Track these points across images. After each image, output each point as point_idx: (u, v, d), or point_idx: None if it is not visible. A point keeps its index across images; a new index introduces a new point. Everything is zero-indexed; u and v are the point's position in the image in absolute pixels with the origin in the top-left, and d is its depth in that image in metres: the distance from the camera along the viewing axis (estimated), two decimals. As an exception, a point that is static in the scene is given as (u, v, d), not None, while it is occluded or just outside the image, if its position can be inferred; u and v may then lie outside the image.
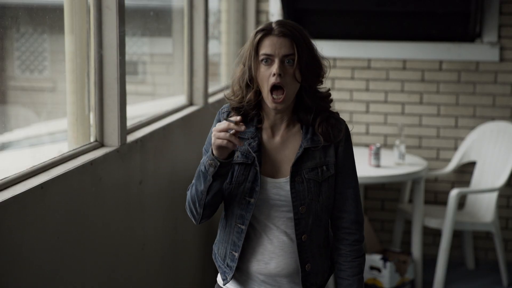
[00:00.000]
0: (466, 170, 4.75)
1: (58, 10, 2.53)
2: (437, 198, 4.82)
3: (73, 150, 2.46)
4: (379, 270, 4.12)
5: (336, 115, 2.07)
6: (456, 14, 4.66)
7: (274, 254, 2.02)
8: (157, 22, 3.79)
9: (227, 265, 2.06)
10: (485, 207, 4.38)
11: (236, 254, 2.03)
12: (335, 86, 4.79)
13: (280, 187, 2.00)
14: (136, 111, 3.20)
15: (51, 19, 2.59)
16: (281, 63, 1.95)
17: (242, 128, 1.86)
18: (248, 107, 2.02)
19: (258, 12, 4.91)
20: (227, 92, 2.09)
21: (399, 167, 4.17)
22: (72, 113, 2.55)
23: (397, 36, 4.77)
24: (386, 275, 4.09)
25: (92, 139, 2.61)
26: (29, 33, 2.54)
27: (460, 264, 4.73)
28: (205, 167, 1.94)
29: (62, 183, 2.20)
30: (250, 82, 2.00)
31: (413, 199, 4.28)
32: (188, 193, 2.04)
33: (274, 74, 1.94)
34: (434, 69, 4.74)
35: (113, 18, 2.56)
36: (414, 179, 4.19)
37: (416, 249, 4.26)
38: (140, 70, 3.71)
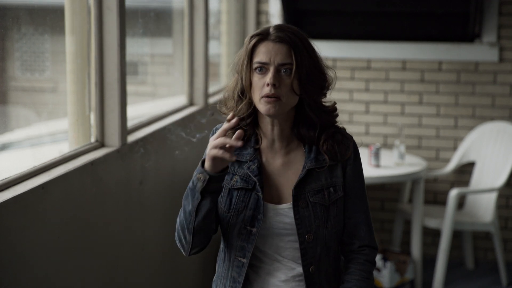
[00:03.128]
0: (465, 170, 4.76)
1: (59, 11, 2.53)
2: (436, 198, 4.83)
3: (74, 150, 2.47)
4: (378, 270, 4.13)
5: (342, 130, 1.86)
6: (456, 15, 4.67)
7: None
8: (158, 22, 3.80)
9: None
10: (484, 207, 4.39)
11: None
12: (335, 86, 4.78)
13: (283, 214, 1.80)
14: (136, 112, 3.20)
15: (52, 19, 2.60)
16: (277, 72, 1.74)
17: (238, 144, 1.67)
18: (241, 122, 1.79)
19: (258, 13, 4.92)
20: (219, 104, 1.87)
21: (399, 167, 4.18)
22: (72, 114, 2.56)
23: (396, 36, 4.77)
24: (386, 275, 4.09)
25: (92, 140, 2.62)
26: (30, 33, 2.55)
27: (459, 264, 4.74)
28: (193, 183, 1.72)
29: (62, 183, 2.21)
30: (242, 94, 1.79)
31: (413, 199, 4.29)
32: (177, 219, 1.82)
33: (267, 84, 1.73)
34: (433, 69, 4.75)
35: (114, 19, 2.57)
36: (413, 179, 4.20)
37: (416, 249, 4.27)
38: (140, 71, 3.72)
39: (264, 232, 1.79)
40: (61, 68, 2.61)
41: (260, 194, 1.78)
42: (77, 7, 2.51)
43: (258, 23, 4.91)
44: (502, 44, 4.65)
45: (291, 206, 1.79)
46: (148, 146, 2.92)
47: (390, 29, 4.78)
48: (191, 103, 3.79)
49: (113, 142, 2.63)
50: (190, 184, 1.73)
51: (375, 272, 4.14)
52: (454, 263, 4.69)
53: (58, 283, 2.20)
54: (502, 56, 4.66)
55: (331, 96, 1.91)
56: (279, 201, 1.81)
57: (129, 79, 2.77)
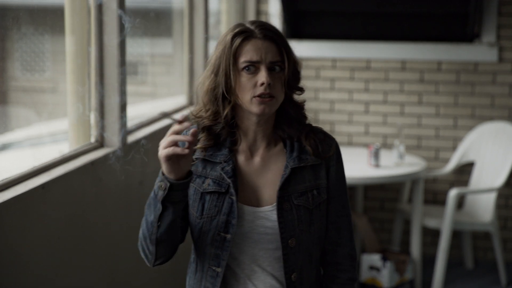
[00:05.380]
0: (465, 170, 4.76)
1: (59, 11, 2.54)
2: (436, 198, 4.83)
3: (74, 150, 2.47)
4: (378, 269, 4.13)
5: (323, 130, 1.80)
6: (455, 15, 4.68)
7: None
8: (158, 22, 3.80)
9: None
10: (484, 207, 4.39)
11: None
12: (335, 87, 4.80)
13: (265, 217, 1.69)
14: (136, 112, 3.21)
15: (52, 19, 2.60)
16: (268, 70, 1.67)
17: (185, 124, 1.56)
18: (225, 124, 1.71)
19: (258, 13, 4.92)
20: (195, 108, 1.76)
21: (399, 167, 4.18)
22: (72, 114, 2.56)
23: (396, 36, 4.78)
24: (386, 275, 4.10)
25: (92, 140, 2.62)
26: (30, 33, 2.55)
27: (459, 263, 4.74)
28: (154, 191, 1.60)
29: (63, 183, 2.21)
30: (227, 94, 1.69)
31: (412, 199, 4.29)
32: (140, 228, 1.71)
33: (262, 83, 1.65)
34: (433, 69, 4.75)
35: (114, 19, 2.57)
36: (413, 179, 4.20)
37: (415, 249, 4.27)
38: (140, 71, 3.72)
39: (241, 238, 1.68)
40: (61, 68, 2.61)
41: (234, 198, 1.67)
42: (77, 7, 2.52)
43: (257, 23, 4.91)
44: (502, 44, 4.66)
45: (273, 208, 1.69)
46: (148, 146, 2.92)
47: (390, 30, 4.78)
48: (191, 103, 3.79)
49: (113, 142, 2.63)
50: (152, 192, 1.62)
51: (375, 272, 4.14)
52: (453, 263, 4.70)
53: (58, 283, 2.20)
54: (501, 56, 4.66)
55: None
56: (258, 203, 1.71)
57: (129, 79, 2.78)
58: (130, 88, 2.79)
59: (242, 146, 1.74)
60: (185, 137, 1.55)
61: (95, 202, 2.44)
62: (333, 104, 4.78)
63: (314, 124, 1.82)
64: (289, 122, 1.75)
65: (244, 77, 1.68)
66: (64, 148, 2.53)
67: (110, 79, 2.61)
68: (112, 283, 2.59)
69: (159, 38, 3.94)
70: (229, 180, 1.68)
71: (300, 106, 1.77)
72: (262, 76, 1.66)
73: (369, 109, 4.83)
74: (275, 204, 1.69)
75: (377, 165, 4.12)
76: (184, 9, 3.75)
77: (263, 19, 4.90)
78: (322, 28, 4.81)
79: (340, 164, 1.79)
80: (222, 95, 1.70)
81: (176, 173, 1.56)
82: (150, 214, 1.63)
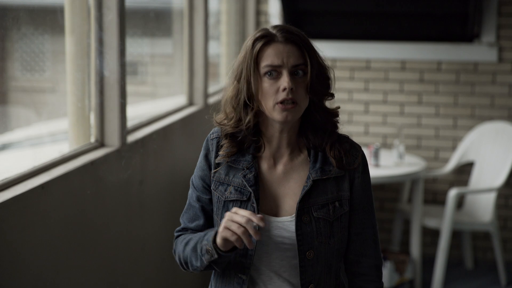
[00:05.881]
0: (464, 170, 4.76)
1: (59, 11, 2.54)
2: (436, 198, 4.84)
3: (74, 150, 2.47)
4: (378, 269, 4.14)
5: (350, 140, 1.77)
6: (455, 15, 4.68)
7: None
8: (157, 22, 3.80)
9: None
10: (483, 207, 4.39)
11: None
12: (335, 86, 4.79)
13: (282, 228, 1.67)
14: (136, 112, 3.21)
15: (51, 19, 2.60)
16: (291, 75, 1.63)
17: (262, 224, 1.53)
18: (248, 132, 1.69)
19: (258, 13, 4.93)
20: (218, 116, 1.74)
21: (398, 167, 4.18)
22: (72, 114, 2.56)
23: (396, 36, 4.78)
24: (385, 275, 4.10)
25: (92, 140, 2.62)
26: (30, 33, 2.55)
27: (458, 263, 4.75)
28: (200, 250, 1.63)
29: (62, 183, 2.21)
30: (249, 101, 1.66)
31: (412, 199, 4.30)
32: (180, 245, 1.73)
33: (284, 89, 1.62)
34: (433, 69, 4.75)
35: (114, 19, 2.58)
36: (413, 179, 4.20)
37: (415, 248, 4.27)
38: (140, 71, 3.72)
39: (258, 246, 1.67)
40: (61, 68, 2.61)
41: (255, 206, 1.65)
42: (77, 7, 2.52)
43: (257, 23, 4.92)
44: (501, 44, 4.66)
45: (292, 219, 1.67)
46: (148, 146, 2.92)
47: (390, 30, 4.78)
48: (190, 103, 3.79)
49: (113, 142, 2.63)
50: (198, 247, 1.63)
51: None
52: (453, 263, 4.70)
53: (58, 283, 2.20)
54: (501, 56, 4.67)
55: (339, 115, 1.81)
56: (278, 213, 1.69)
57: (129, 79, 2.78)
58: (130, 88, 2.79)
59: (266, 153, 1.72)
60: (259, 220, 1.54)
61: (95, 202, 2.44)
62: (333, 104, 4.77)
63: (346, 127, 1.79)
64: (314, 129, 1.71)
65: (266, 82, 1.64)
66: (64, 148, 2.53)
67: (111, 79, 2.61)
68: (112, 283, 2.59)
69: (159, 38, 3.94)
70: (250, 189, 1.67)
71: (331, 113, 1.73)
72: (284, 81, 1.62)
73: (369, 109, 4.83)
74: (294, 215, 1.67)
75: (377, 165, 4.12)
76: (184, 9, 3.76)
77: (262, 19, 4.91)
78: (322, 28, 4.82)
79: (366, 175, 1.76)
80: (244, 102, 1.66)
81: (227, 247, 1.58)
82: (196, 260, 1.66)
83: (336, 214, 1.69)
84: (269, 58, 1.63)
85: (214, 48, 4.59)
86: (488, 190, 4.30)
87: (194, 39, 3.77)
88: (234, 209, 1.57)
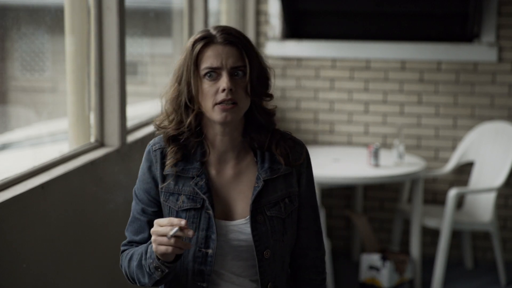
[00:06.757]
0: (464, 170, 4.77)
1: (58, 11, 2.54)
2: (435, 198, 4.84)
3: (74, 150, 2.48)
4: (378, 269, 4.14)
5: (291, 136, 1.77)
6: (455, 15, 4.68)
7: None
8: (157, 23, 3.80)
9: None
10: (483, 207, 4.39)
11: None
12: (335, 86, 4.80)
13: (238, 231, 1.68)
14: (136, 112, 3.21)
15: (51, 19, 2.60)
16: (230, 76, 1.63)
17: (190, 233, 1.52)
18: (189, 134, 1.68)
19: (258, 13, 4.93)
20: (158, 118, 1.73)
21: (398, 167, 4.18)
22: (72, 114, 2.56)
23: (396, 36, 4.78)
24: (385, 275, 4.10)
25: (92, 139, 2.62)
26: (30, 33, 2.55)
27: (458, 263, 4.75)
28: (149, 268, 1.61)
29: (62, 183, 2.22)
30: (190, 103, 1.66)
31: (412, 199, 4.30)
32: (125, 260, 1.72)
33: (223, 90, 1.61)
34: (432, 69, 4.75)
35: (114, 19, 2.58)
36: (413, 179, 4.20)
37: (415, 248, 4.27)
38: (140, 71, 3.72)
39: (218, 252, 1.67)
40: (61, 68, 2.61)
41: (211, 212, 1.65)
42: (77, 7, 2.52)
43: (257, 23, 4.92)
44: (501, 44, 4.66)
45: (247, 221, 1.67)
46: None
47: (389, 29, 4.78)
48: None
49: (113, 142, 2.63)
50: (146, 266, 1.62)
51: (374, 272, 4.15)
52: (453, 263, 4.70)
53: (58, 282, 2.20)
54: (501, 56, 4.67)
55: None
56: (231, 216, 1.69)
57: (129, 79, 2.78)
58: (130, 88, 2.79)
59: (212, 159, 1.71)
60: (182, 244, 1.55)
61: (95, 202, 2.44)
62: (333, 104, 4.78)
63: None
64: (257, 130, 1.71)
65: (206, 84, 1.64)
66: (64, 148, 2.54)
67: (110, 79, 2.61)
68: (112, 283, 2.59)
69: (159, 38, 3.94)
70: (203, 196, 1.66)
71: (269, 113, 1.73)
72: (223, 82, 1.62)
73: (369, 109, 4.83)
74: (248, 217, 1.68)
75: (376, 165, 4.12)
76: (183, 9, 3.76)
77: (262, 19, 4.90)
78: (322, 28, 4.82)
79: (309, 170, 1.77)
80: (185, 104, 1.67)
81: (170, 258, 1.58)
82: (143, 276, 1.65)
83: (287, 211, 1.71)
84: (209, 60, 1.64)
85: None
86: (488, 190, 4.30)
87: (194, 39, 3.76)
88: (155, 221, 1.56)
